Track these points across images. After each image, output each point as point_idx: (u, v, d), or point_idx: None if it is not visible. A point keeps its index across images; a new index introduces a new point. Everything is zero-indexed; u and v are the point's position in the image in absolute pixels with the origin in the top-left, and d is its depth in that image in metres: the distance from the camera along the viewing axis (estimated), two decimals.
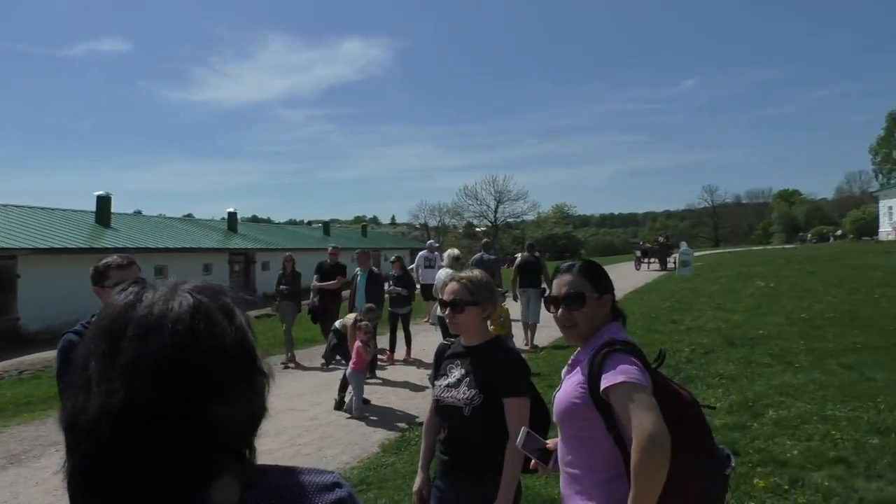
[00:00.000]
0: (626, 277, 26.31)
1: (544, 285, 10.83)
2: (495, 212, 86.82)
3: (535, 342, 11.03)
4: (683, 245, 28.74)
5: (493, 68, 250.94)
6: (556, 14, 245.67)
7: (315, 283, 10.97)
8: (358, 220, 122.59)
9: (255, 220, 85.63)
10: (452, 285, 2.69)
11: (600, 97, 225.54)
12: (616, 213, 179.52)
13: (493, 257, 11.83)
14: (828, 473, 4.58)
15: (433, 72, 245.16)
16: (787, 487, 4.41)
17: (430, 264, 14.38)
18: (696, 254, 34.20)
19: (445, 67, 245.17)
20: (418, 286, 14.54)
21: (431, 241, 15.89)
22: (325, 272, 11.06)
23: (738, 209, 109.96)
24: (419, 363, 10.54)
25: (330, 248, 11.59)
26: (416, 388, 8.91)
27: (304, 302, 11.72)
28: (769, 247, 63.56)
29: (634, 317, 13.29)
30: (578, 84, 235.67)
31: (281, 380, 9.83)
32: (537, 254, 11.74)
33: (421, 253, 14.91)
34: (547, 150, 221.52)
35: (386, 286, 10.77)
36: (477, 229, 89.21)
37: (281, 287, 11.35)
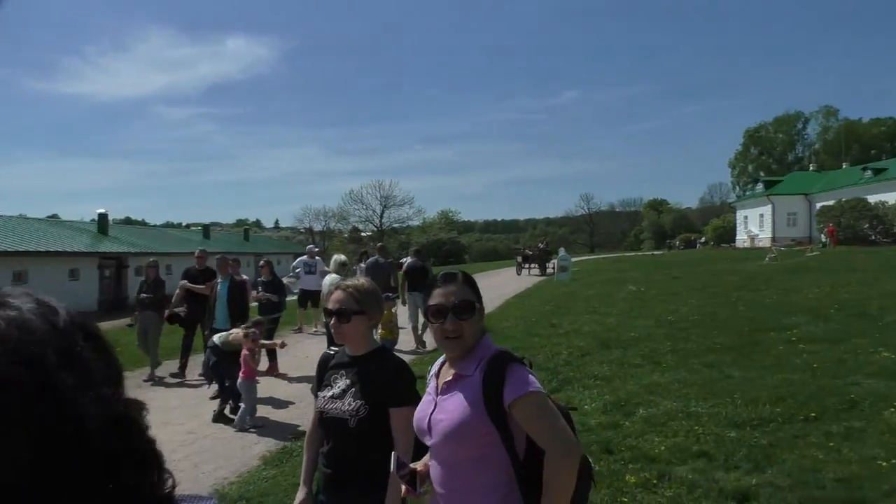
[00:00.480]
0: (509, 282, 27.10)
1: None
2: (381, 217, 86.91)
3: (424, 339, 11.36)
4: (562, 251, 29.80)
5: (381, 73, 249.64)
6: (445, 22, 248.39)
7: (184, 284, 10.17)
8: (240, 223, 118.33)
9: (128, 222, 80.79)
10: (338, 294, 2.62)
11: (486, 106, 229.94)
12: (499, 219, 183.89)
13: (388, 261, 11.87)
14: (692, 467, 4.89)
15: (321, 74, 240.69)
16: (655, 482, 4.66)
17: (311, 270, 13.97)
18: (574, 259, 35.81)
19: (334, 70, 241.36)
20: (297, 292, 14.18)
21: (311, 245, 15.37)
22: (192, 278, 10.31)
23: (612, 217, 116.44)
24: (288, 378, 10.32)
25: (197, 252, 10.64)
26: (299, 398, 8.72)
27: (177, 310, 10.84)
28: (640, 253, 67.46)
29: (516, 321, 13.72)
30: (465, 92, 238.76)
31: (156, 393, 9.34)
32: (425, 260, 12.03)
33: (300, 258, 14.40)
34: (433, 157, 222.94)
35: (254, 293, 10.45)
36: (362, 234, 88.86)
37: (142, 295, 10.42)
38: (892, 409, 5.78)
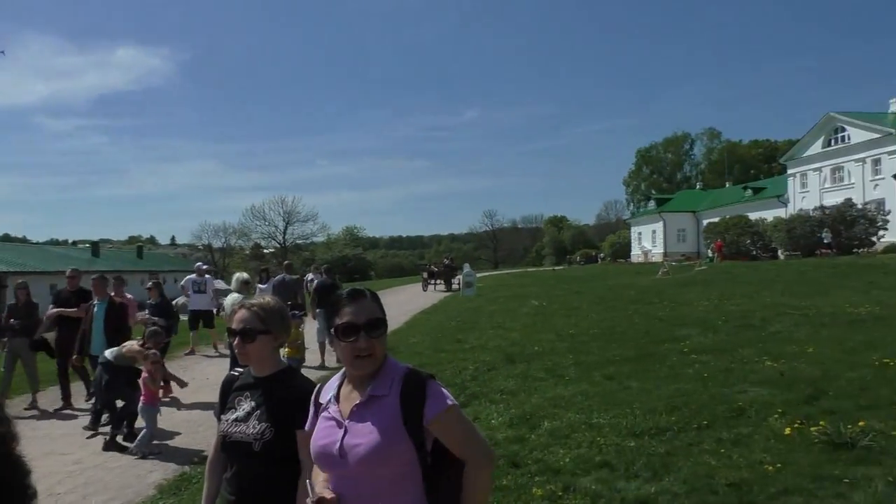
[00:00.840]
0: (415, 299, 27.22)
1: None
2: (284, 233, 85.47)
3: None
4: (467, 267, 30.32)
5: (281, 86, 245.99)
6: (346, 35, 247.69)
7: (53, 310, 9.35)
8: (133, 240, 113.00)
9: (7, 239, 75.55)
10: (242, 313, 2.52)
11: (390, 122, 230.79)
12: (404, 235, 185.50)
13: (294, 278, 11.72)
14: (595, 477, 5.02)
15: (219, 86, 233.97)
16: (560, 494, 4.75)
17: (201, 289, 13.26)
18: (479, 275, 36.29)
19: (232, 82, 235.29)
20: (187, 313, 13.56)
21: (200, 263, 14.43)
22: (64, 301, 9.44)
23: (515, 233, 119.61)
24: (184, 402, 9.90)
25: (68, 272, 9.75)
26: (199, 422, 8.35)
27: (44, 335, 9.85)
28: (542, 268, 69.30)
29: (423, 337, 13.75)
30: (367, 108, 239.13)
31: (38, 422, 8.71)
32: (335, 278, 12.21)
33: (189, 277, 13.64)
34: (337, 173, 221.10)
35: (139, 315, 9.89)
36: (265, 251, 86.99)
37: (11, 321, 9.45)
38: (776, 415, 6.15)
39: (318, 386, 2.26)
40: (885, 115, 45.48)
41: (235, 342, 2.52)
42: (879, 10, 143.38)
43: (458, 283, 29.95)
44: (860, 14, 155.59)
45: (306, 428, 2.20)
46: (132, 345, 7.58)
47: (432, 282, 33.58)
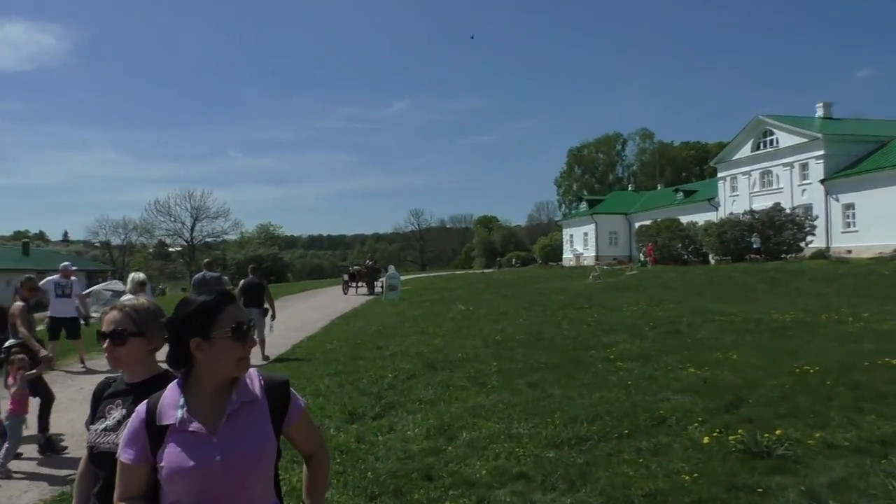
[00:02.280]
0: (334, 302, 27.00)
1: (267, 305, 12.36)
2: (192, 230, 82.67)
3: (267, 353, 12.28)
4: (391, 269, 30.16)
5: (193, 71, 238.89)
6: (264, 16, 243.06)
7: None
8: (18, 235, 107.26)
9: None
10: (113, 314, 2.49)
11: (311, 112, 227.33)
12: (325, 234, 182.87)
13: (215, 275, 11.60)
14: (511, 490, 5.09)
15: (122, 68, 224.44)
16: None
17: (64, 292, 12.18)
18: (404, 277, 36.29)
19: (137, 64, 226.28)
20: (46, 321, 12.39)
21: (67, 263, 13.16)
22: None
23: (443, 233, 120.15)
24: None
25: None
26: (75, 435, 7.98)
27: None
28: (471, 271, 69.34)
29: (340, 343, 13.65)
30: (287, 95, 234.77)
31: None
32: (262, 278, 13.00)
33: (50, 278, 12.36)
34: (254, 166, 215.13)
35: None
36: (170, 249, 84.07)
37: None
38: (696, 424, 6.39)
39: (148, 406, 2.11)
40: (812, 119, 48.07)
41: (105, 345, 2.47)
42: (812, 12, 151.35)
43: (382, 286, 29.79)
44: (792, 16, 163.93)
45: (153, 455, 2.04)
46: None
47: (353, 284, 33.28)
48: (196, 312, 2.03)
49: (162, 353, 2.34)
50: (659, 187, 76.62)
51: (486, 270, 65.51)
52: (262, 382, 2.11)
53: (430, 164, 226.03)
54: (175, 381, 2.11)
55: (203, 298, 2.07)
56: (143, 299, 2.63)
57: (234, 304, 2.08)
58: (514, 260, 78.20)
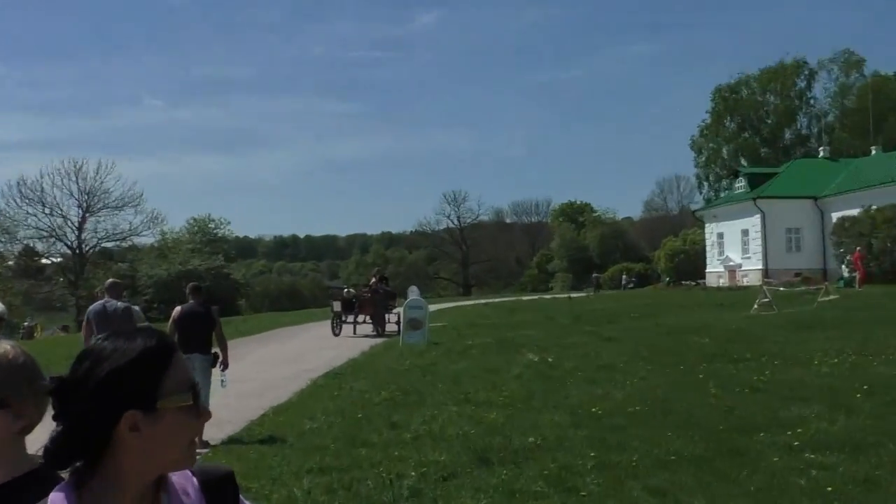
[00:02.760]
0: (318, 349, 19.28)
1: (216, 349, 8.74)
2: (80, 229, 54.46)
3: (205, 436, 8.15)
4: (413, 292, 22.15)
5: None
6: None
7: None
8: None
9: None
10: None
11: (280, 32, 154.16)
12: (302, 234, 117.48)
13: (122, 306, 8.46)
14: None
15: None
16: None
17: None
18: (436, 307, 28.51)
19: None
20: None
21: None
22: None
23: (500, 232, 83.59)
24: None
25: None
26: None
27: None
28: (549, 295, 51.02)
29: (328, 418, 9.73)
30: (242, 3, 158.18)
31: None
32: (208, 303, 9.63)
33: None
34: (184, 121, 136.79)
35: None
36: (43, 260, 56.33)
37: None
38: None
39: None
40: None
41: None
42: None
43: (398, 322, 20.41)
44: None
45: None
46: None
47: (350, 319, 22.77)
48: (134, 368, 1.40)
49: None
50: (874, 151, 46.53)
51: (574, 294, 46.78)
52: (197, 481, 1.51)
53: (475, 117, 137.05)
54: (59, 486, 1.41)
55: (143, 344, 1.43)
56: (6, 346, 1.86)
57: (180, 354, 1.50)
58: (623, 276, 56.78)
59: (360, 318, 23.01)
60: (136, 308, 9.20)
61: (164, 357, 1.41)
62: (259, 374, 14.44)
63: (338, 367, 15.20)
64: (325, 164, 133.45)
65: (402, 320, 19.08)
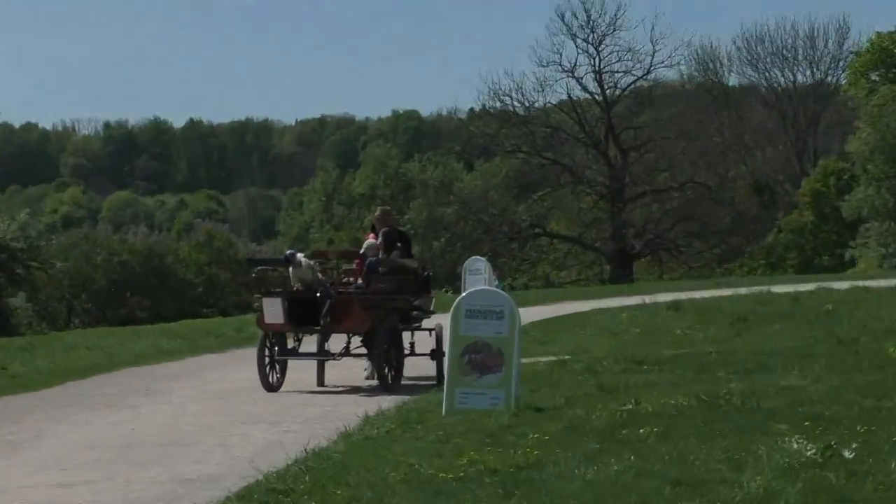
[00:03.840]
0: (227, 419, 7.53)
1: None
2: None
3: None
4: (478, 271, 13.90)
5: None
6: None
7: None
8: None
9: None
10: None
11: None
12: (205, 119, 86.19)
13: None
14: None
15: None
16: None
17: None
18: (528, 310, 12.62)
19: None
20: None
21: None
22: None
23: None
24: None
25: None
26: None
27: None
28: (844, 282, 24.42)
29: None
30: None
31: None
32: None
33: None
34: None
35: None
36: None
37: None
38: None
39: None
40: None
41: None
42: None
43: (434, 349, 10.23)
44: None
45: None
46: None
47: (304, 342, 10.50)
48: None
49: None
50: None
51: None
52: None
53: None
54: None
55: None
56: None
57: None
58: None
59: (334, 339, 10.30)
60: None
61: None
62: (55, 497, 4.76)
63: (274, 473, 4.77)
64: None
65: (443, 343, 8.93)
